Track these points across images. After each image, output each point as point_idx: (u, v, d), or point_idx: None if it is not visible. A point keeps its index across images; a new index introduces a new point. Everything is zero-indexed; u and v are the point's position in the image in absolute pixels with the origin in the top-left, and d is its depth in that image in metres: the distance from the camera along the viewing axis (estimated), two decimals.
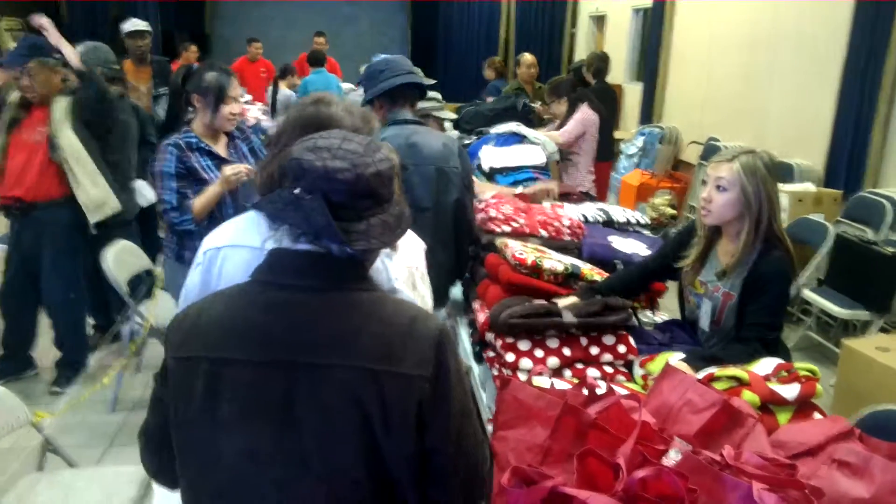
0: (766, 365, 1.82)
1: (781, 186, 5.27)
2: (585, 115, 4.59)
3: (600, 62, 7.01)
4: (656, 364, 1.96)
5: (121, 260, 3.51)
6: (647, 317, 2.49)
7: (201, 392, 1.16)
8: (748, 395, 1.68)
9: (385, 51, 6.76)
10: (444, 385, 1.16)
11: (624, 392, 1.88)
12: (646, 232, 3.09)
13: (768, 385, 1.72)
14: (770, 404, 1.71)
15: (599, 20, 10.58)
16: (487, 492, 1.36)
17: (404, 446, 1.14)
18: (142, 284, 3.68)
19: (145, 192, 4.22)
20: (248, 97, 8.67)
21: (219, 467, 1.17)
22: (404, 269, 1.66)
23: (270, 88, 7.95)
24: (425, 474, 1.18)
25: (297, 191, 1.15)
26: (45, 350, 3.91)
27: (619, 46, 9.46)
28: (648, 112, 8.50)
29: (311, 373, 1.13)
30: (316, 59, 8.01)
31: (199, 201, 2.71)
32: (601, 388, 1.60)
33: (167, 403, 1.21)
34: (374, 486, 1.15)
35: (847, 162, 5.12)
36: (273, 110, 7.53)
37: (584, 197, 4.43)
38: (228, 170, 2.68)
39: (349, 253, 1.18)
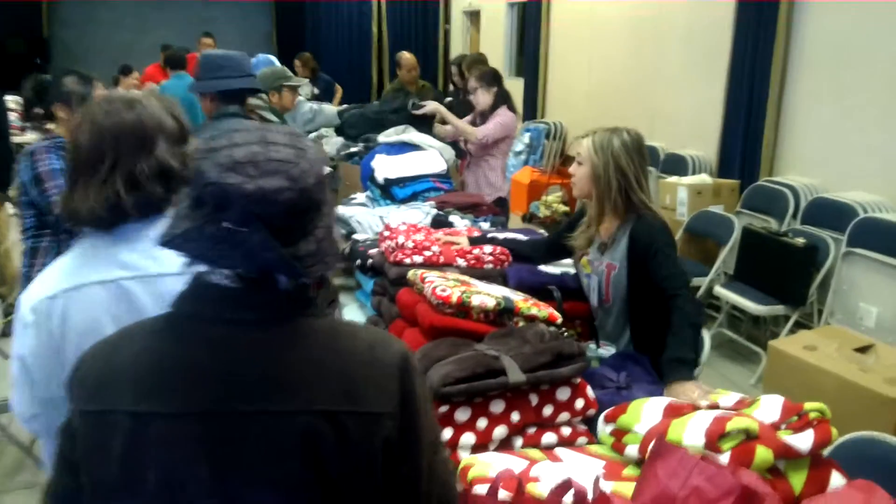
0: (771, 407, 1.50)
1: (678, 179, 5.18)
2: (507, 120, 4.19)
3: (478, 62, 6.74)
4: (630, 416, 1.60)
5: None
6: (591, 350, 2.13)
7: (120, 456, 0.94)
8: (762, 451, 1.37)
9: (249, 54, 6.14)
10: (412, 419, 1.01)
11: (597, 461, 1.53)
12: (541, 231, 3.01)
13: (780, 436, 1.41)
14: (784, 459, 1.40)
15: (474, 15, 10.34)
16: None
17: (370, 492, 0.98)
18: None
19: None
20: None
21: None
22: None
23: None
24: None
25: (225, 224, 0.92)
26: None
27: (496, 42, 9.25)
28: (532, 108, 8.31)
29: (258, 424, 0.94)
30: (176, 62, 6.97)
31: None
32: (588, 489, 1.20)
33: (78, 464, 0.99)
34: None
35: (741, 151, 5.03)
36: None
37: (499, 202, 4.11)
38: None
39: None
